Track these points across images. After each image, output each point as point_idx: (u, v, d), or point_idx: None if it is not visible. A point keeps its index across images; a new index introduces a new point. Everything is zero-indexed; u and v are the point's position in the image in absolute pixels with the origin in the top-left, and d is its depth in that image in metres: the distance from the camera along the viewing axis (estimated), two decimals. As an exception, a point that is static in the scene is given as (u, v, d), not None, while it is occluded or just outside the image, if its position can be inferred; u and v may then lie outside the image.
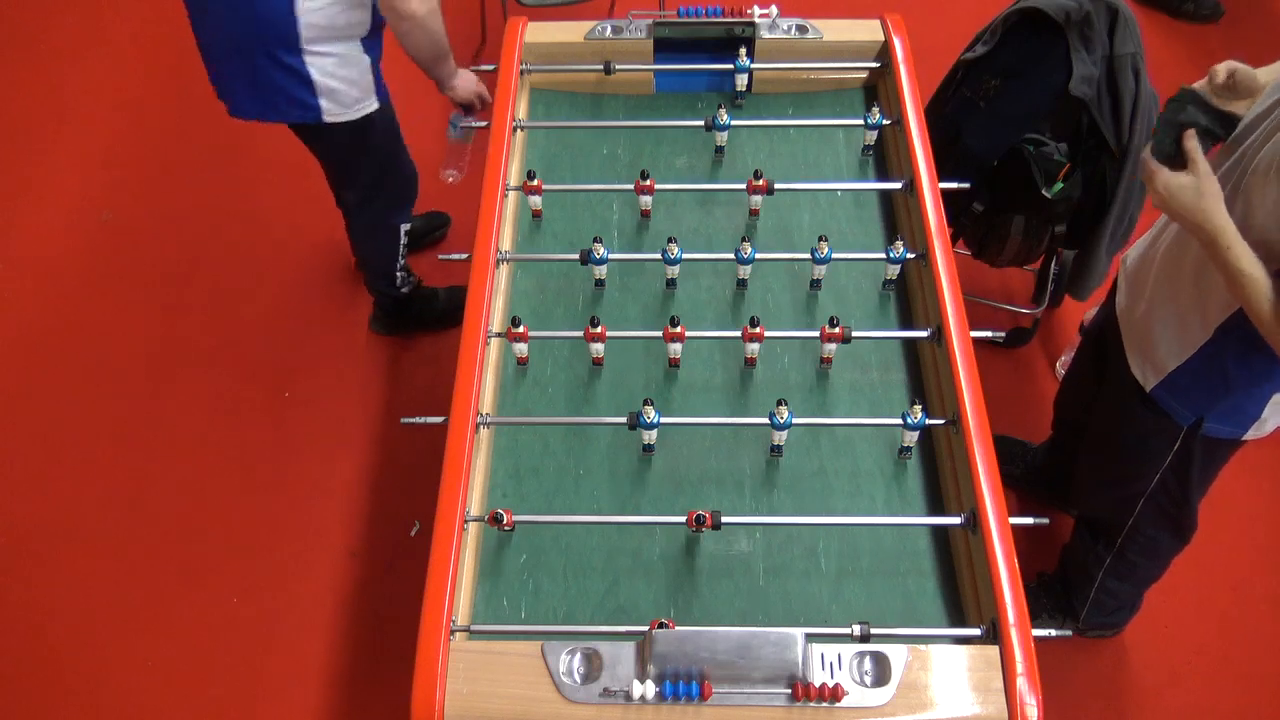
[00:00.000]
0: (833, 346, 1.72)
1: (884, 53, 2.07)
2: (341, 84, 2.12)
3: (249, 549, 2.52)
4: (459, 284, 2.66)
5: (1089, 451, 2.06)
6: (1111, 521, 2.03)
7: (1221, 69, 1.54)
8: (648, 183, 1.86)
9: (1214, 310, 1.56)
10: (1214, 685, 2.28)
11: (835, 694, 1.30)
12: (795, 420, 1.57)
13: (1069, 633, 1.43)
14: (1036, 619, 2.24)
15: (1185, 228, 1.47)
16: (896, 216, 1.94)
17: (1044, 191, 2.21)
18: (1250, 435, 1.73)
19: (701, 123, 1.98)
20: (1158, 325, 1.70)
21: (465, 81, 2.28)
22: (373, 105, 2.20)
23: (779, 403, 1.57)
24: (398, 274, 2.66)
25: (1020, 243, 2.41)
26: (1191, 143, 1.43)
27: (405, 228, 2.58)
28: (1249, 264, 1.39)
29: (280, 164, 3.27)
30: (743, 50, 2.03)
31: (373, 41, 2.17)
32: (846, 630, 1.40)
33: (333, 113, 2.16)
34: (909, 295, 1.84)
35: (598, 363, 1.76)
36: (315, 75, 2.08)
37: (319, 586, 2.45)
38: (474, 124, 2.26)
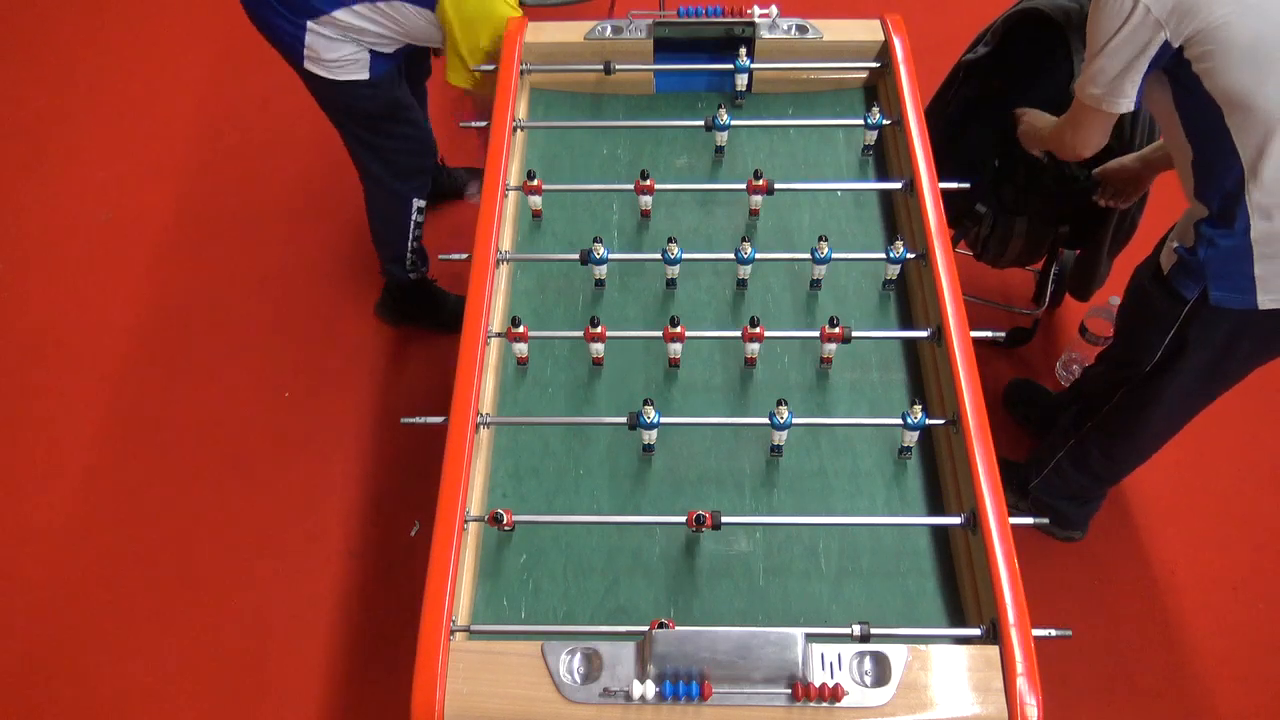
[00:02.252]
0: (833, 346, 1.72)
1: (884, 53, 2.07)
2: (329, 54, 2.15)
3: (249, 549, 2.52)
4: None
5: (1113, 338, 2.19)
6: (1093, 403, 2.16)
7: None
8: (648, 183, 1.86)
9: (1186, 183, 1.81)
10: (1214, 685, 2.28)
11: (835, 694, 1.30)
12: (795, 420, 1.57)
13: (1068, 632, 1.43)
14: None
15: (1039, 138, 2.08)
16: (896, 216, 1.94)
17: (1070, 175, 2.23)
18: (1267, 304, 1.76)
19: (701, 123, 1.98)
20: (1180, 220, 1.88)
21: None
22: (360, 75, 2.21)
23: (779, 403, 1.57)
24: (408, 255, 2.66)
25: (1023, 244, 2.41)
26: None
27: (419, 204, 2.57)
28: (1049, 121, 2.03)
29: (283, 164, 3.28)
30: (743, 50, 2.03)
31: (382, 58, 2.20)
32: (846, 630, 1.40)
33: (312, 63, 2.18)
34: (909, 295, 1.84)
35: (598, 363, 1.76)
36: (308, 39, 2.12)
37: (319, 586, 2.45)
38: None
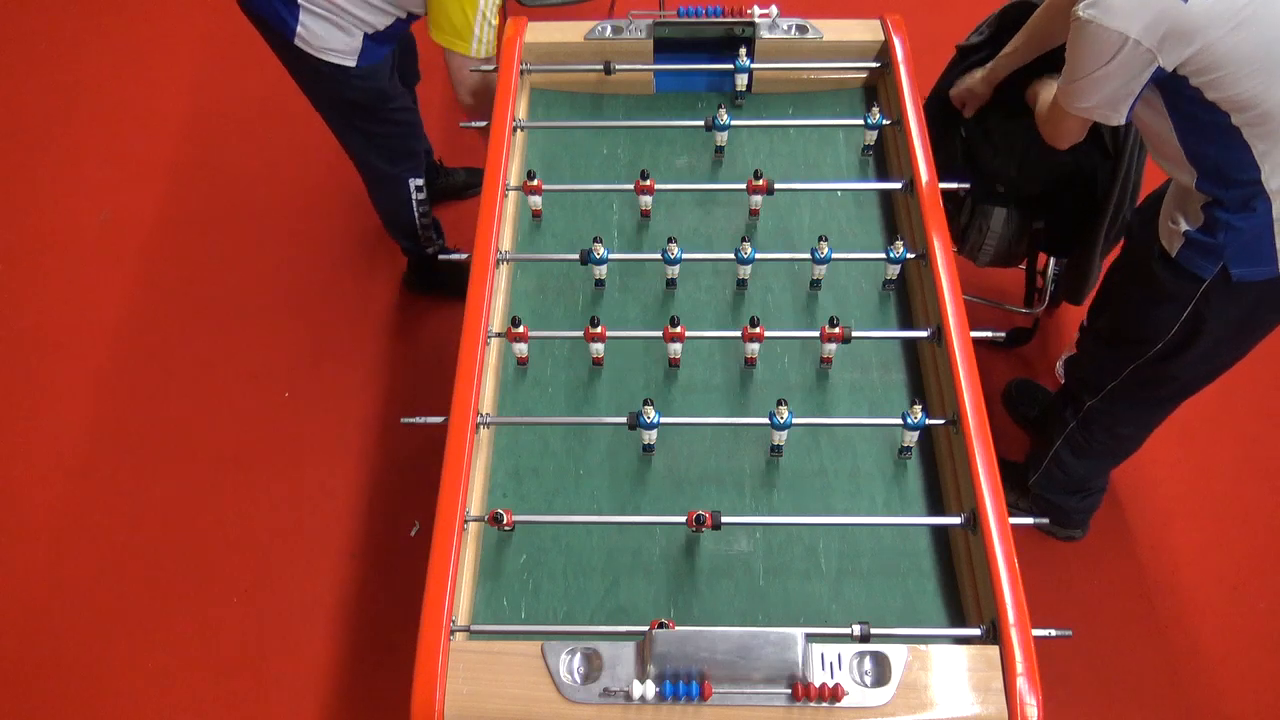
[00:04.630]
0: (833, 346, 1.72)
1: (884, 53, 2.07)
2: (319, 37, 2.15)
3: (249, 549, 2.52)
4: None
5: (1105, 310, 2.16)
6: (1092, 382, 2.14)
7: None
8: (648, 183, 1.86)
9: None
10: (1214, 685, 2.28)
11: (835, 694, 1.30)
12: (795, 420, 1.57)
13: (1069, 632, 1.43)
14: None
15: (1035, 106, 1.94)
16: (896, 216, 1.94)
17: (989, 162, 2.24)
18: None
19: (701, 123, 1.98)
20: (1169, 205, 1.84)
21: None
22: (348, 63, 2.21)
23: (779, 403, 1.57)
24: (419, 232, 2.68)
25: (1000, 237, 2.40)
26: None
27: (416, 182, 2.58)
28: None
29: (281, 165, 3.28)
30: (743, 50, 2.03)
31: (378, 43, 2.19)
32: (846, 630, 1.40)
33: (302, 42, 2.17)
34: (909, 295, 1.84)
35: (598, 363, 1.76)
36: (302, 16, 2.12)
37: (319, 586, 2.45)
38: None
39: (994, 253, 2.45)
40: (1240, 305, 1.83)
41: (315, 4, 2.12)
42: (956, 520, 1.51)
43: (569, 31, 2.10)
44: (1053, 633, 1.41)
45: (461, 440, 1.55)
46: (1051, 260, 2.62)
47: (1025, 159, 2.23)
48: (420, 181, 2.59)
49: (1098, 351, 2.16)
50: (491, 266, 1.75)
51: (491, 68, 2.14)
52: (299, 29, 2.15)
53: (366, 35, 2.19)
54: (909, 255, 1.77)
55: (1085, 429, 2.21)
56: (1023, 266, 2.67)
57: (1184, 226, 1.79)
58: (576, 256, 1.79)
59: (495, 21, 2.11)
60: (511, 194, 1.93)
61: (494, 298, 1.77)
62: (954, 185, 1.88)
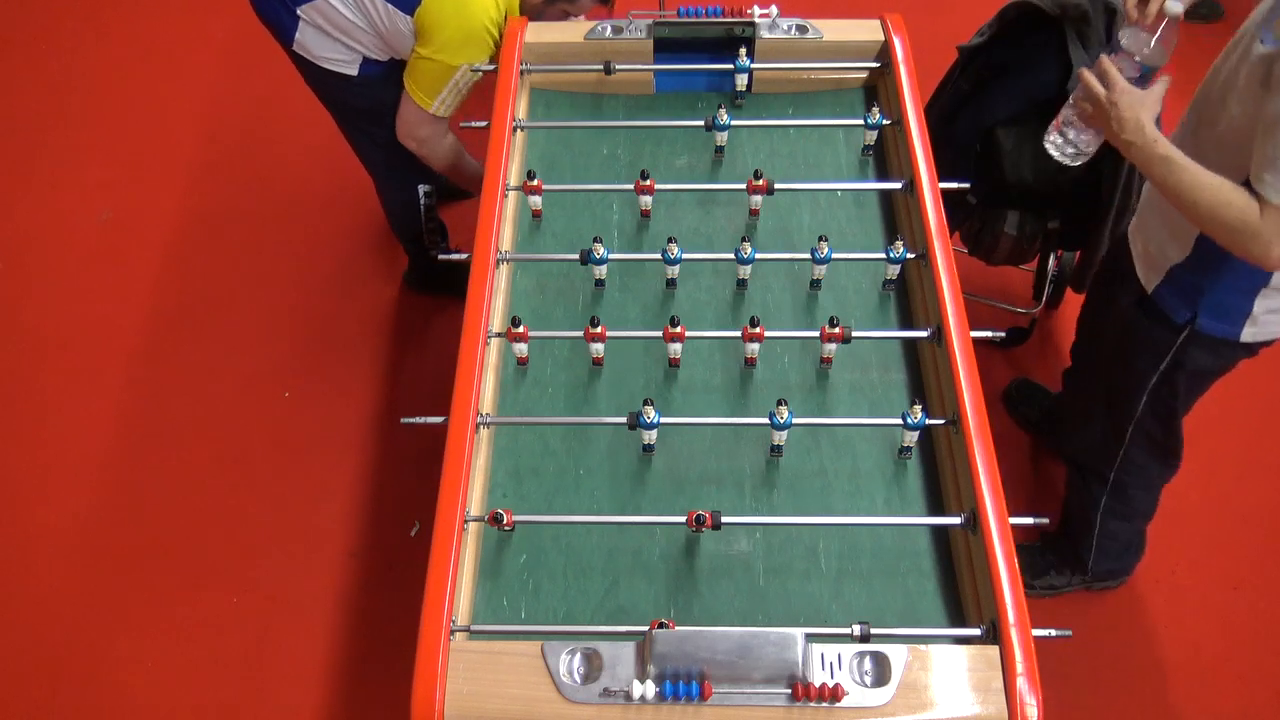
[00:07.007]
0: (833, 346, 1.72)
1: (884, 53, 2.07)
2: (318, 50, 2.20)
3: (249, 549, 2.52)
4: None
5: (1085, 376, 2.14)
6: (1102, 456, 2.11)
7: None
8: (648, 183, 1.86)
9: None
10: (1214, 684, 2.28)
11: (835, 694, 1.30)
12: (795, 420, 1.57)
13: (1069, 632, 1.43)
14: (1046, 574, 2.32)
15: (1123, 139, 1.57)
16: (896, 216, 1.94)
17: (1008, 175, 2.23)
18: (1247, 336, 1.77)
19: (701, 123, 1.98)
20: (1158, 227, 1.81)
21: None
22: (350, 71, 2.24)
23: (779, 403, 1.57)
24: (425, 236, 2.69)
25: (1014, 239, 2.40)
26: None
27: (425, 188, 2.59)
28: (1196, 171, 1.52)
29: (282, 165, 3.28)
30: (743, 50, 2.03)
31: (373, 62, 2.22)
32: (846, 630, 1.40)
33: (301, 48, 2.21)
34: (909, 295, 1.84)
35: (598, 363, 1.76)
36: (301, 27, 2.16)
37: (319, 586, 2.45)
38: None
39: (1007, 253, 2.46)
40: (1208, 360, 1.84)
41: (314, 22, 2.14)
42: (956, 520, 1.51)
43: (569, 31, 2.10)
44: (1053, 633, 1.41)
45: (461, 440, 1.55)
46: (1052, 259, 2.63)
47: (1037, 166, 2.23)
48: (429, 188, 2.60)
49: (1096, 421, 2.12)
50: (491, 266, 1.75)
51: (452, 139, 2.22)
52: (298, 36, 2.17)
53: (365, 57, 2.21)
54: (909, 255, 1.77)
55: (1120, 496, 2.16)
56: (1032, 267, 2.68)
57: (1171, 256, 1.77)
58: (576, 256, 1.79)
59: (465, 93, 2.18)
60: (511, 194, 1.93)
61: (494, 298, 1.77)
62: (954, 185, 1.88)
